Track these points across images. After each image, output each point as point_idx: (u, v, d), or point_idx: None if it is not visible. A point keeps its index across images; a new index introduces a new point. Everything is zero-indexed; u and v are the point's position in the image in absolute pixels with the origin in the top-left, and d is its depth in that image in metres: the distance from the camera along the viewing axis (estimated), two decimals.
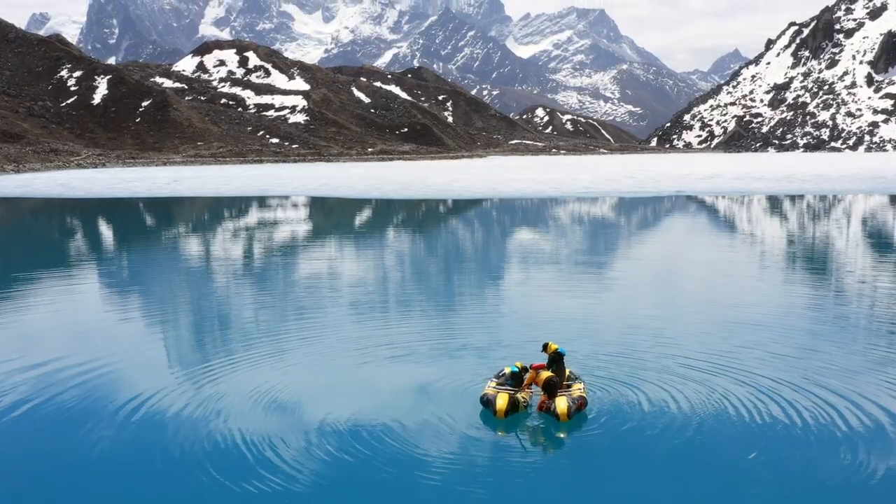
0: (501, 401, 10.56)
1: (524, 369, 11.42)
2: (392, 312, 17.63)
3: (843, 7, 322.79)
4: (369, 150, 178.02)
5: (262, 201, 54.31)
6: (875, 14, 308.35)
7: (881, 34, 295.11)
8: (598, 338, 14.81)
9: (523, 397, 10.82)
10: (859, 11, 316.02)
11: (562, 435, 10.24)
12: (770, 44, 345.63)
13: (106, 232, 38.65)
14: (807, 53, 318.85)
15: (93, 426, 10.60)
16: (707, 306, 17.97)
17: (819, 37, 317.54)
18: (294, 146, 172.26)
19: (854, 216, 42.63)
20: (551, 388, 10.73)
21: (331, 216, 47.07)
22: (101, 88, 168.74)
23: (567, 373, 11.54)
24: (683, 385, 11.81)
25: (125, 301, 19.86)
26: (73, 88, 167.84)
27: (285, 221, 41.38)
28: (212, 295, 20.35)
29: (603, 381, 11.91)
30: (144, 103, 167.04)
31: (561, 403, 10.47)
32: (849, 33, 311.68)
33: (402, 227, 38.23)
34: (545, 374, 10.93)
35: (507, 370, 11.46)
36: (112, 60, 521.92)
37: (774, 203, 51.53)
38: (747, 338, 14.70)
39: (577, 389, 11.00)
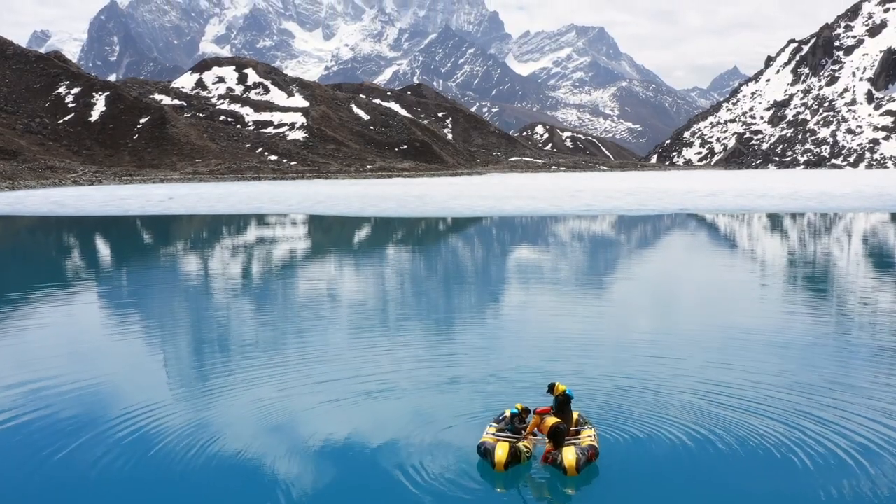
0: (501, 451, 9.26)
1: (526, 410, 10.12)
2: (379, 340, 16.26)
3: (843, 24, 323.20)
4: (368, 167, 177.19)
5: (255, 220, 53.13)
6: (874, 31, 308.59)
7: (881, 51, 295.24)
8: (608, 371, 13.47)
9: (526, 447, 9.52)
10: (859, 28, 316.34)
11: (570, 491, 8.94)
12: (770, 61, 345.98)
13: (91, 251, 37.40)
14: (806, 70, 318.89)
15: (85, 447, 10.27)
16: (728, 333, 16.55)
17: (819, 54, 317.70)
18: (292, 163, 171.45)
19: (868, 235, 41.39)
20: (557, 437, 9.42)
21: (324, 235, 45.84)
22: (99, 105, 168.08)
23: (575, 417, 10.22)
24: (710, 429, 10.48)
25: (105, 321, 18.58)
26: (70, 105, 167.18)
27: (276, 241, 40.15)
28: (194, 316, 19.06)
29: (616, 426, 10.58)
30: (142, 120, 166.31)
31: (568, 455, 9.17)
32: (848, 50, 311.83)
33: (397, 248, 36.98)
34: (550, 419, 9.62)
35: (508, 414, 10.17)
36: (113, 77, 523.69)
37: (783, 222, 50.34)
38: (776, 369, 13.34)
39: (587, 437, 9.68)
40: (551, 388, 10.27)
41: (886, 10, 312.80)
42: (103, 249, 38.22)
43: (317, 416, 11.28)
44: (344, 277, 26.32)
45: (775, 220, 50.62)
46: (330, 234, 46.16)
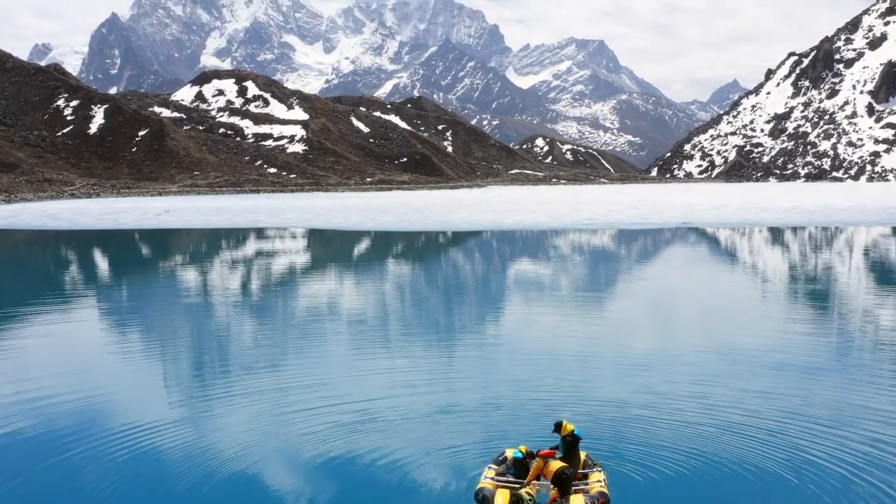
0: (501, 499, 8.30)
1: (530, 455, 9.15)
2: (368, 364, 15.26)
3: (843, 37, 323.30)
4: (368, 179, 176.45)
5: (251, 234, 52.22)
6: (874, 44, 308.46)
7: (881, 64, 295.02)
8: (616, 399, 12.49)
9: (528, 493, 8.55)
10: (859, 41, 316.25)
11: None
12: (770, 74, 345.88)
13: (81, 266, 36.46)
14: (807, 83, 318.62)
15: (71, 465, 10.00)
16: (745, 356, 15.43)
17: (819, 67, 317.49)
18: (292, 176, 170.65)
19: (879, 251, 40.44)
20: (564, 483, 8.47)
21: (320, 250, 44.92)
22: (98, 118, 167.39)
23: (583, 458, 9.25)
24: (734, 468, 9.49)
25: (91, 337, 17.60)
26: (69, 118, 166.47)
27: (270, 256, 39.23)
28: (182, 335, 18.09)
29: (629, 467, 9.61)
30: (141, 133, 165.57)
31: (577, 503, 8.23)
32: (848, 63, 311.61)
33: (393, 264, 36.05)
34: (555, 463, 8.66)
35: (509, 454, 9.20)
36: (113, 90, 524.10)
37: (789, 236, 49.42)
38: (800, 397, 12.30)
39: (597, 483, 8.71)
40: (558, 427, 9.28)
41: (887, 24, 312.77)
42: (93, 264, 37.29)
43: (296, 450, 10.32)
44: (337, 295, 25.37)
45: (781, 235, 49.69)
46: (326, 248, 45.25)
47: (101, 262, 38.31)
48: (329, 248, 45.46)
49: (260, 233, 52.38)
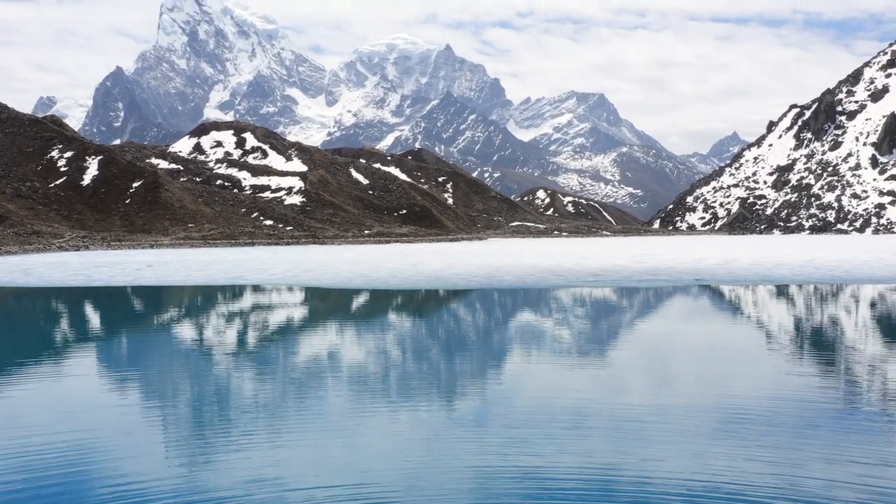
0: None
1: None
2: (333, 447, 11.05)
3: (845, 89, 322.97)
4: (366, 232, 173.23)
5: (228, 292, 48.22)
6: (876, 96, 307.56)
7: (883, 116, 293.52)
8: None
9: None
10: (860, 94, 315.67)
11: None
12: (772, 126, 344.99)
13: (13, 330, 32.32)
14: (809, 135, 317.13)
15: None
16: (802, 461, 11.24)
17: (821, 119, 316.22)
18: (288, 228, 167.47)
19: None
20: None
21: (296, 312, 40.81)
22: (92, 169, 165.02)
23: None
24: None
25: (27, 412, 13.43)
26: (63, 169, 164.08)
27: (238, 319, 35.12)
28: (121, 415, 13.92)
29: None
30: (135, 184, 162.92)
31: None
32: (851, 115, 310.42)
33: (374, 327, 31.82)
34: None
35: None
36: (117, 142, 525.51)
37: (816, 295, 45.28)
38: None
39: None
40: None
41: (888, 76, 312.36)
42: (30, 328, 33.11)
43: None
44: (307, 367, 21.14)
45: (806, 294, 45.56)
46: (305, 309, 41.14)
47: (42, 326, 34.14)
48: (309, 308, 41.37)
49: (239, 290, 48.39)
